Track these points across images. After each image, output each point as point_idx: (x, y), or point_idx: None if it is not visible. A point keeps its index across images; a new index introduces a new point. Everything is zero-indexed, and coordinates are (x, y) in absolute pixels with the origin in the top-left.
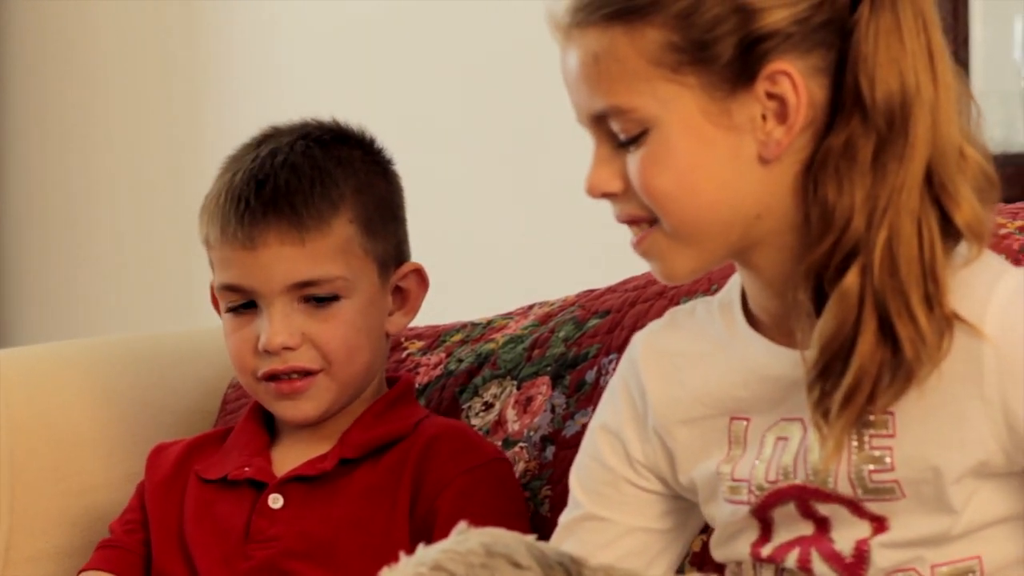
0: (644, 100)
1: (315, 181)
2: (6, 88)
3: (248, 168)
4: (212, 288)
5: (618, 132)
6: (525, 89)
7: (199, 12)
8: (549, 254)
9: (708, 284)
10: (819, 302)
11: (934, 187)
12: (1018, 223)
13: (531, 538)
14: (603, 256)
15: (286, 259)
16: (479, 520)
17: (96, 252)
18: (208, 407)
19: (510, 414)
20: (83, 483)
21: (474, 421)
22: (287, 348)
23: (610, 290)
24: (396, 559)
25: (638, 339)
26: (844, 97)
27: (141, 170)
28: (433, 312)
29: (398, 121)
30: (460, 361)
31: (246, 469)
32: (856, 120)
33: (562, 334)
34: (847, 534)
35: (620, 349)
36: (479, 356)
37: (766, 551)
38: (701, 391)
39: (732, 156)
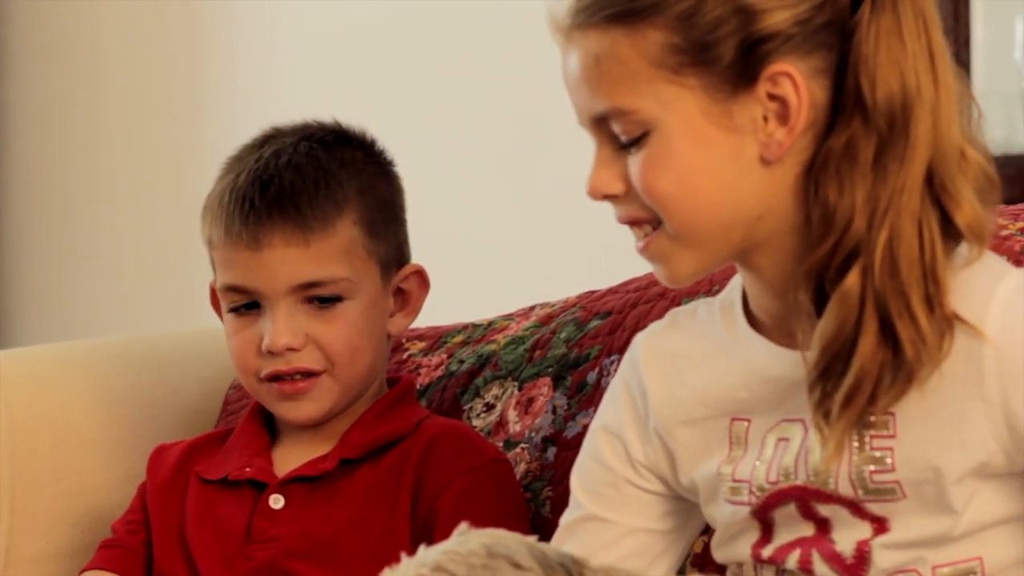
0: (645, 102)
1: (319, 182)
2: (6, 88)
3: (252, 169)
4: (212, 288)
5: (619, 134)
6: (525, 89)
7: (199, 12)
8: (550, 255)
9: (710, 285)
10: (820, 303)
11: (935, 188)
12: (1019, 224)
13: (532, 539)
14: (604, 257)
15: (291, 260)
16: (480, 521)
17: (96, 252)
18: (209, 408)
19: (511, 415)
20: (84, 484)
21: (475, 422)
22: (291, 349)
23: (611, 291)
24: (397, 559)
25: (639, 340)
26: (845, 98)
27: (141, 170)
28: (434, 313)
29: (398, 121)
30: (461, 362)
31: (247, 469)
32: (857, 121)
33: (563, 335)
34: (848, 535)
35: (621, 350)
36: (480, 357)
37: (767, 552)
38: (702, 392)
39: (733, 157)
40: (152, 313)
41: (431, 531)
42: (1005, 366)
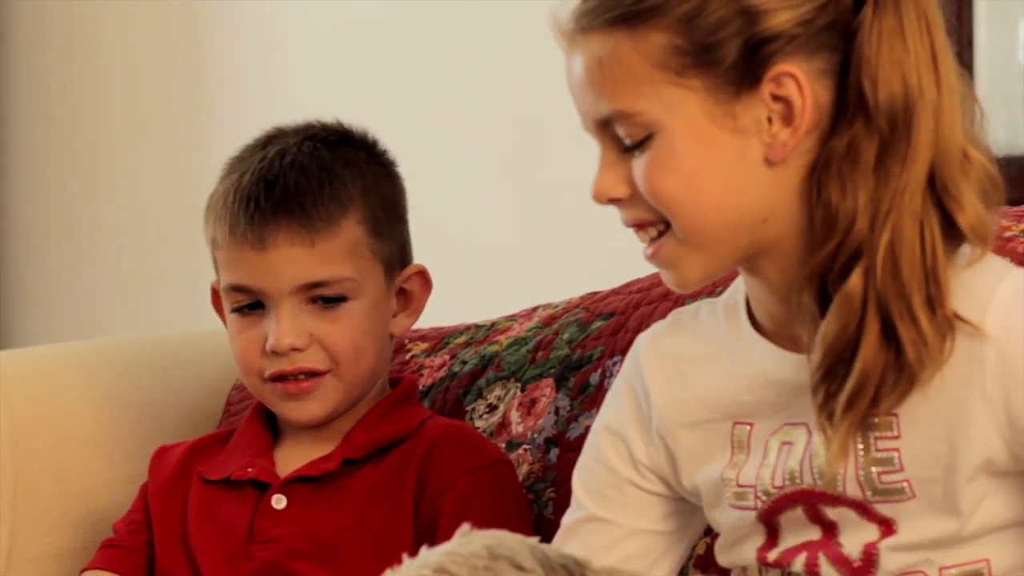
0: (649, 104)
1: (324, 182)
2: (7, 88)
3: (256, 168)
4: (213, 288)
5: (623, 137)
6: (526, 89)
7: (200, 12)
8: (553, 256)
9: (713, 286)
10: (824, 306)
11: (937, 189)
12: (1022, 226)
13: (534, 540)
14: (607, 258)
15: (296, 260)
16: (482, 521)
17: (97, 253)
18: (210, 408)
19: (514, 416)
20: (85, 484)
21: (478, 423)
22: (295, 349)
23: (614, 292)
24: (399, 559)
25: (642, 340)
26: (848, 99)
27: (141, 170)
28: (437, 314)
29: (399, 121)
30: (464, 363)
31: (249, 470)
32: (859, 122)
33: (566, 336)
34: (855, 538)
35: (624, 351)
36: (483, 358)
37: (772, 556)
38: (704, 394)
39: (738, 158)
40: (153, 314)
41: (433, 531)
42: (1006, 365)
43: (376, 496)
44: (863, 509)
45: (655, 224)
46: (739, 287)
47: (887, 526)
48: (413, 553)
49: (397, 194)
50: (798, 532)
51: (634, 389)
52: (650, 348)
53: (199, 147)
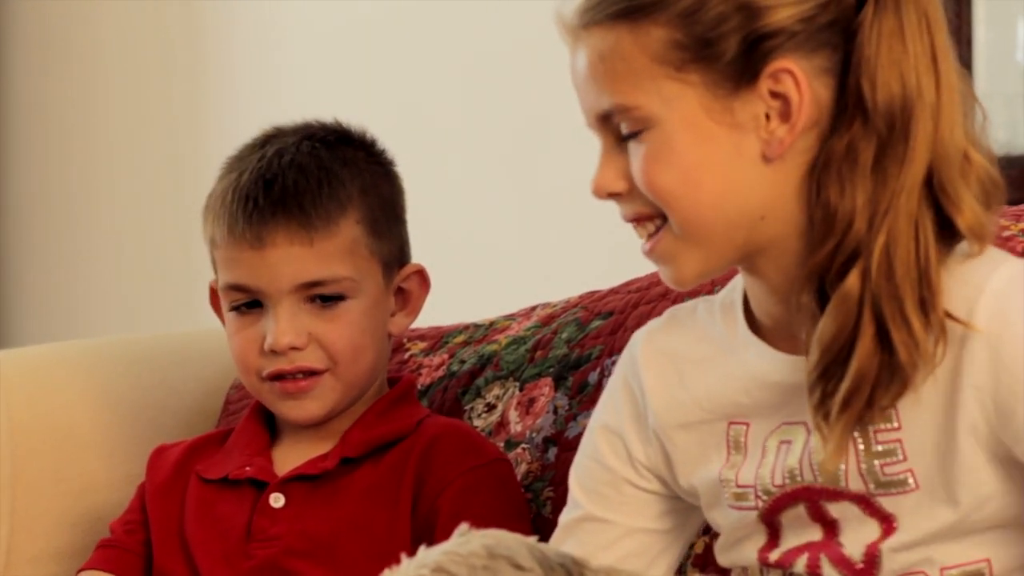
0: (648, 98)
1: (322, 181)
2: (6, 88)
3: (255, 168)
4: (212, 288)
5: (623, 130)
6: (526, 89)
7: (199, 12)
8: (551, 255)
9: (711, 284)
10: (823, 306)
11: (934, 190)
12: (1021, 226)
13: (533, 540)
14: (606, 257)
15: (294, 259)
16: (480, 520)
17: (96, 252)
18: (209, 408)
19: (512, 415)
20: (84, 484)
21: (476, 422)
22: (294, 348)
23: (613, 291)
24: (397, 558)
25: (638, 338)
26: (847, 99)
27: (141, 170)
28: (435, 313)
29: (398, 121)
30: (463, 362)
31: (247, 468)
32: (858, 123)
33: (565, 335)
34: (856, 537)
35: (623, 350)
36: (482, 357)
37: (774, 556)
38: (701, 395)
39: (735, 154)
40: (153, 313)
41: (432, 530)
42: (996, 353)
43: (374, 495)
44: (865, 503)
45: (653, 219)
46: (737, 286)
47: (888, 523)
48: (411, 551)
49: (396, 193)
50: (799, 532)
51: (630, 387)
52: (647, 346)
53: (198, 147)
